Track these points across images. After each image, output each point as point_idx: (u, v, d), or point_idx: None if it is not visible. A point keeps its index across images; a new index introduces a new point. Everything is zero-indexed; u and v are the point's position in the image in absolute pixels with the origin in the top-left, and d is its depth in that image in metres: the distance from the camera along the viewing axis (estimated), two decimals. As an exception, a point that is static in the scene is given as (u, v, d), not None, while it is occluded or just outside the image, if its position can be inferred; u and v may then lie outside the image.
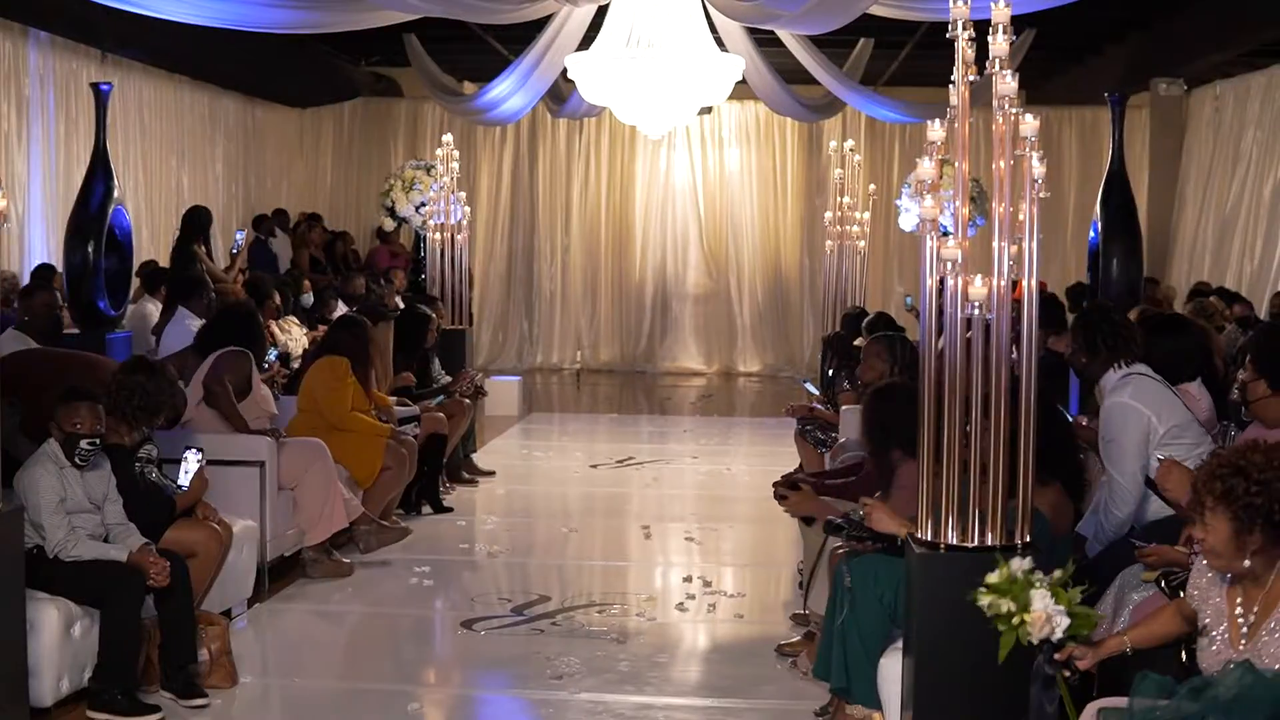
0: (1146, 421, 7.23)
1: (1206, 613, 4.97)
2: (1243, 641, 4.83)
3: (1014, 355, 5.95)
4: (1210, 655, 4.91)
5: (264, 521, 9.38)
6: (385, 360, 12.30)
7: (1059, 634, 5.25)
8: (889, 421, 7.18)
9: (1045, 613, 5.24)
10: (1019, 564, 5.41)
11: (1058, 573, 5.38)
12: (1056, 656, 5.26)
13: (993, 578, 5.43)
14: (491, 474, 13.91)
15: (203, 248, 15.50)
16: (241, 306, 11.03)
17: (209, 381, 9.84)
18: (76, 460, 7.31)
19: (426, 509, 12.06)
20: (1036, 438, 5.93)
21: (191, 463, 8.14)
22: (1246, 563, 4.79)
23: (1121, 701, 4.90)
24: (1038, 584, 5.33)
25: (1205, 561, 4.94)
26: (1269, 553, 4.78)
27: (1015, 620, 5.28)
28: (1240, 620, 4.86)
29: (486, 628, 8.88)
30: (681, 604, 9.46)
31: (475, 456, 14.10)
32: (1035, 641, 5.27)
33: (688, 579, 10.07)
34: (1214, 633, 4.93)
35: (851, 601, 6.76)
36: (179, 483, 8.10)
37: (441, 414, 12.29)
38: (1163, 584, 5.83)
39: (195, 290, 12.41)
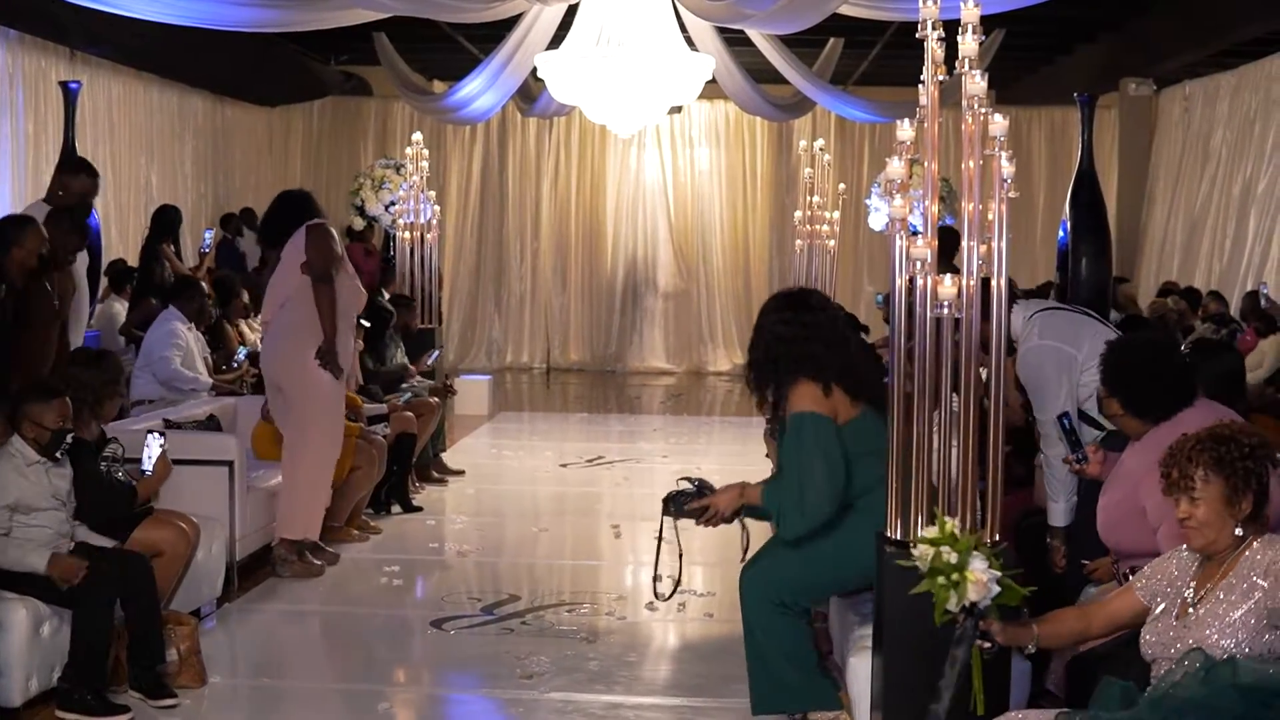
0: (1061, 356, 7.22)
1: (1163, 595, 5.03)
2: (1190, 610, 4.88)
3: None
4: (1154, 629, 4.97)
5: (233, 521, 9.37)
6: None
7: (988, 600, 5.31)
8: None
9: (985, 576, 5.30)
10: (954, 521, 5.48)
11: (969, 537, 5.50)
12: (981, 624, 5.30)
13: (930, 532, 5.51)
14: (461, 473, 13.90)
15: (171, 247, 15.46)
16: (297, 193, 10.74)
17: (315, 260, 9.84)
18: (58, 455, 7.30)
19: (396, 508, 12.04)
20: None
21: (154, 447, 8.08)
22: (1238, 530, 4.85)
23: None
24: (977, 545, 5.38)
25: (1187, 544, 4.99)
26: (1253, 523, 4.86)
27: (955, 577, 5.33)
28: (1189, 597, 4.92)
29: (456, 627, 8.86)
30: (651, 603, 9.45)
31: (445, 456, 14.10)
32: (966, 604, 5.31)
33: (658, 578, 10.06)
34: (1161, 606, 5.00)
35: (751, 625, 6.82)
36: (142, 467, 8.04)
37: (410, 413, 12.27)
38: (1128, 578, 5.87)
39: (187, 291, 12.42)
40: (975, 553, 5.37)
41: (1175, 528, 5.12)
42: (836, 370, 6.70)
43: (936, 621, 5.42)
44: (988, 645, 5.31)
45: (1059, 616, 5.45)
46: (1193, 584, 4.95)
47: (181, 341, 11.93)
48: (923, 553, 5.47)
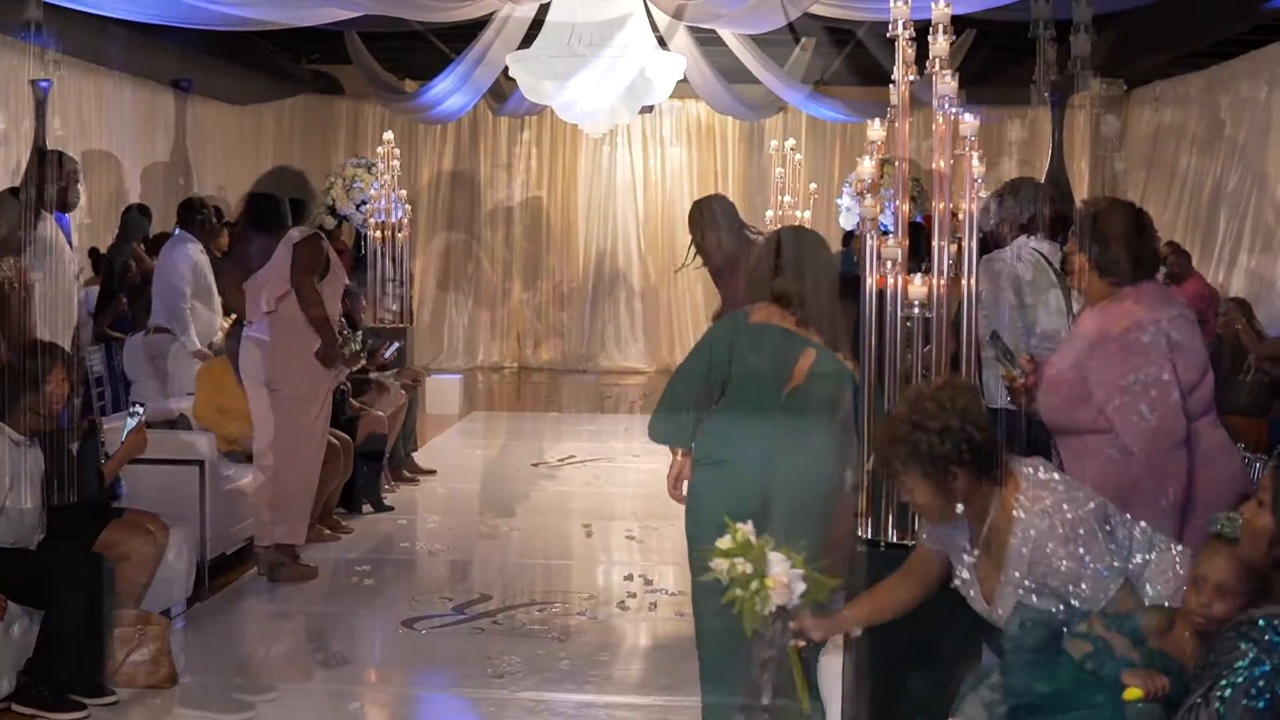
0: (1013, 269, 7.40)
1: (952, 549, 5.07)
2: (989, 579, 4.92)
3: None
4: (972, 609, 5.03)
5: (204, 520, 9.34)
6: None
7: (795, 600, 5.17)
8: None
9: (785, 578, 5.15)
10: (747, 528, 5.30)
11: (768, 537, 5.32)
12: (791, 625, 5.21)
13: (724, 543, 5.30)
14: (433, 473, 13.87)
15: (141, 245, 15.40)
16: (291, 177, 10.52)
17: (300, 287, 9.66)
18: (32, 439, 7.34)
19: (368, 508, 12.01)
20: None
21: (130, 421, 8.05)
22: (960, 508, 4.83)
23: None
24: (771, 547, 5.23)
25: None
26: (978, 493, 4.84)
27: (754, 586, 5.18)
28: (971, 563, 4.97)
29: (428, 627, 8.86)
30: (623, 602, 9.47)
31: (416, 455, 14.07)
32: (773, 609, 5.18)
33: (629, 577, 10.07)
34: (971, 592, 5.03)
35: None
36: (121, 439, 8.00)
37: (381, 413, 12.25)
38: None
39: (189, 212, 12.50)
40: (773, 555, 5.19)
41: (1121, 397, 5.42)
42: (789, 287, 6.43)
43: (747, 634, 5.27)
44: (804, 644, 5.26)
45: (881, 589, 5.37)
46: (969, 544, 4.96)
47: (193, 264, 11.95)
48: (718, 567, 5.28)
